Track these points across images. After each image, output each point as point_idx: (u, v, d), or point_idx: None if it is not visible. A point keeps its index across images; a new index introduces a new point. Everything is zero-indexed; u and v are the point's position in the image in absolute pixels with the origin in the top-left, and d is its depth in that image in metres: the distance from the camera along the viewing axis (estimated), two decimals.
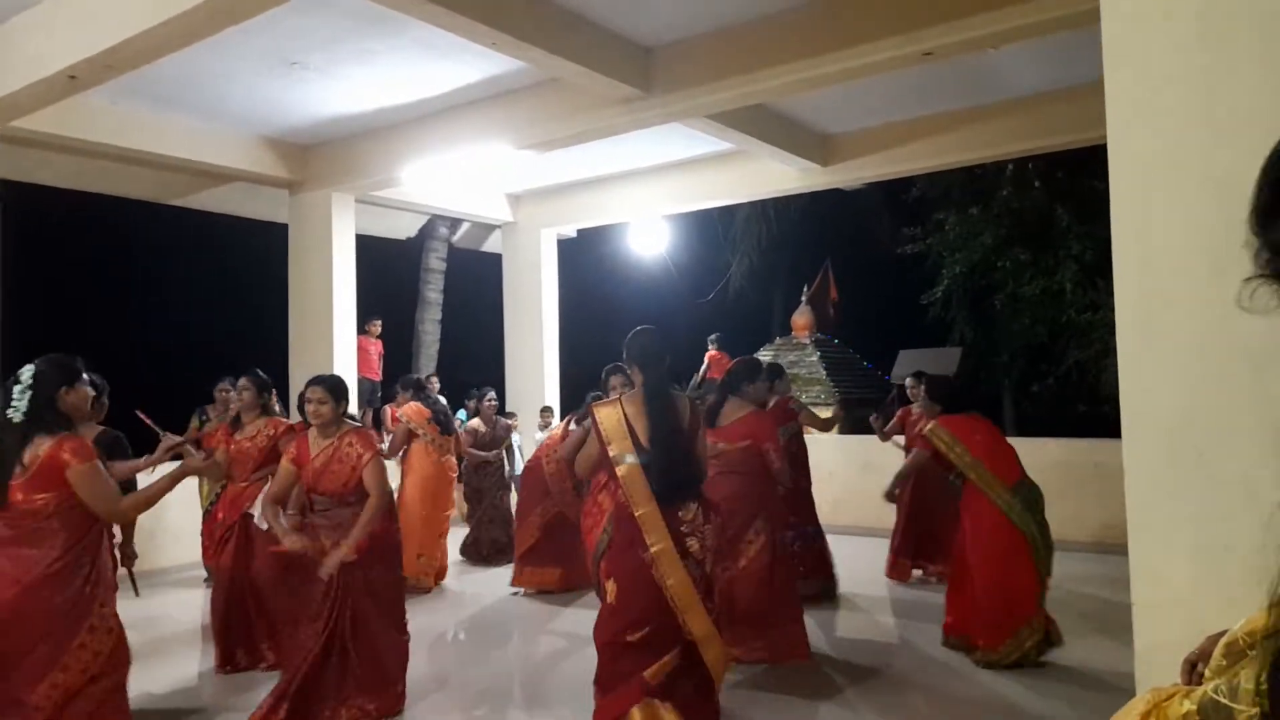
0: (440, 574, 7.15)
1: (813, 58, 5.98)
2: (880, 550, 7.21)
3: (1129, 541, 2.81)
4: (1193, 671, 1.85)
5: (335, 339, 9.05)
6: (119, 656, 3.42)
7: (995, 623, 4.80)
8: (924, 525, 6.84)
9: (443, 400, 7.84)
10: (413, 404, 7.32)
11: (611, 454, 3.51)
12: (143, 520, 4.66)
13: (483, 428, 8.29)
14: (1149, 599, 2.79)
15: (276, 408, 5.45)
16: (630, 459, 3.47)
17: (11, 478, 3.19)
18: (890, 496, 5.58)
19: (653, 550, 3.37)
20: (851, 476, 9.16)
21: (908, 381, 7.32)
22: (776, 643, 4.90)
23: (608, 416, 3.57)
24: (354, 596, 4.06)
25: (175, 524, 7.76)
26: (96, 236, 15.22)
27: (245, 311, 15.18)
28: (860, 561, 7.29)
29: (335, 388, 4.24)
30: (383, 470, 4.22)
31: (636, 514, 3.43)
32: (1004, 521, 4.82)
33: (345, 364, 9.07)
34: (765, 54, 6.16)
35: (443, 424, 7.32)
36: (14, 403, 3.23)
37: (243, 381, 5.25)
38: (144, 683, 4.65)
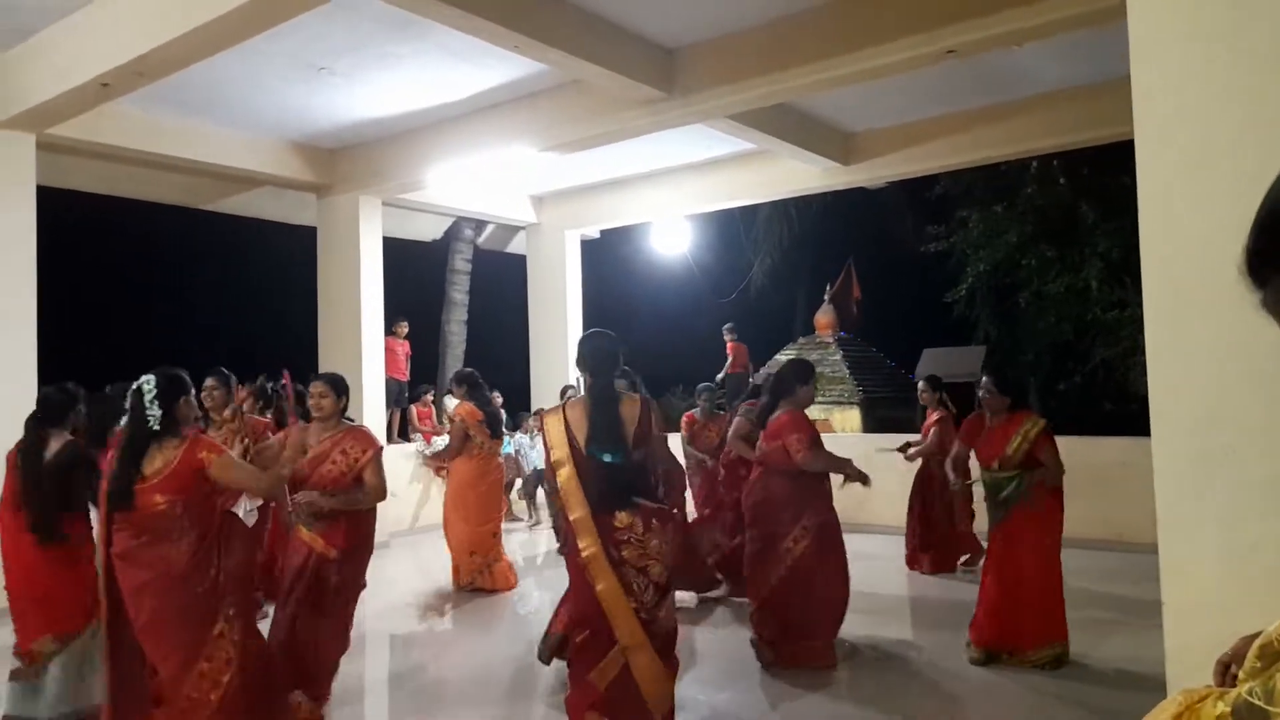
0: (505, 576, 7.03)
1: (835, 57, 5.97)
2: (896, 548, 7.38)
3: (1159, 541, 2.79)
4: (1226, 673, 1.83)
5: (363, 340, 9.14)
6: (258, 650, 3.61)
7: (1045, 626, 4.80)
8: (929, 521, 7.28)
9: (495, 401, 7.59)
10: (467, 404, 7.15)
11: (553, 459, 3.54)
12: None
13: None
14: (1179, 598, 2.78)
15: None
16: (568, 466, 3.50)
17: (135, 483, 3.40)
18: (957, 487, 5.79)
19: (584, 555, 3.42)
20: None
21: (920, 386, 7.35)
22: (811, 650, 4.93)
23: (552, 424, 3.58)
24: (317, 588, 4.12)
25: None
26: (128, 241, 15.44)
27: (274, 314, 15.35)
28: (877, 560, 7.34)
29: (337, 383, 4.38)
30: (382, 468, 4.31)
31: (570, 518, 3.47)
32: (1061, 528, 4.87)
33: (373, 365, 9.16)
34: (787, 54, 6.16)
35: (493, 427, 7.22)
36: (149, 413, 3.45)
37: (210, 381, 5.16)
38: None
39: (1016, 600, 4.81)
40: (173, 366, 3.66)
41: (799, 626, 4.92)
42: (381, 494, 4.28)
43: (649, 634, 3.43)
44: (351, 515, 4.20)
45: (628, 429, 3.50)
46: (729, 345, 13.05)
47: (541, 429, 3.68)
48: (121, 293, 16.75)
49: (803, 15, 6.04)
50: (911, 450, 7.29)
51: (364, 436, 4.34)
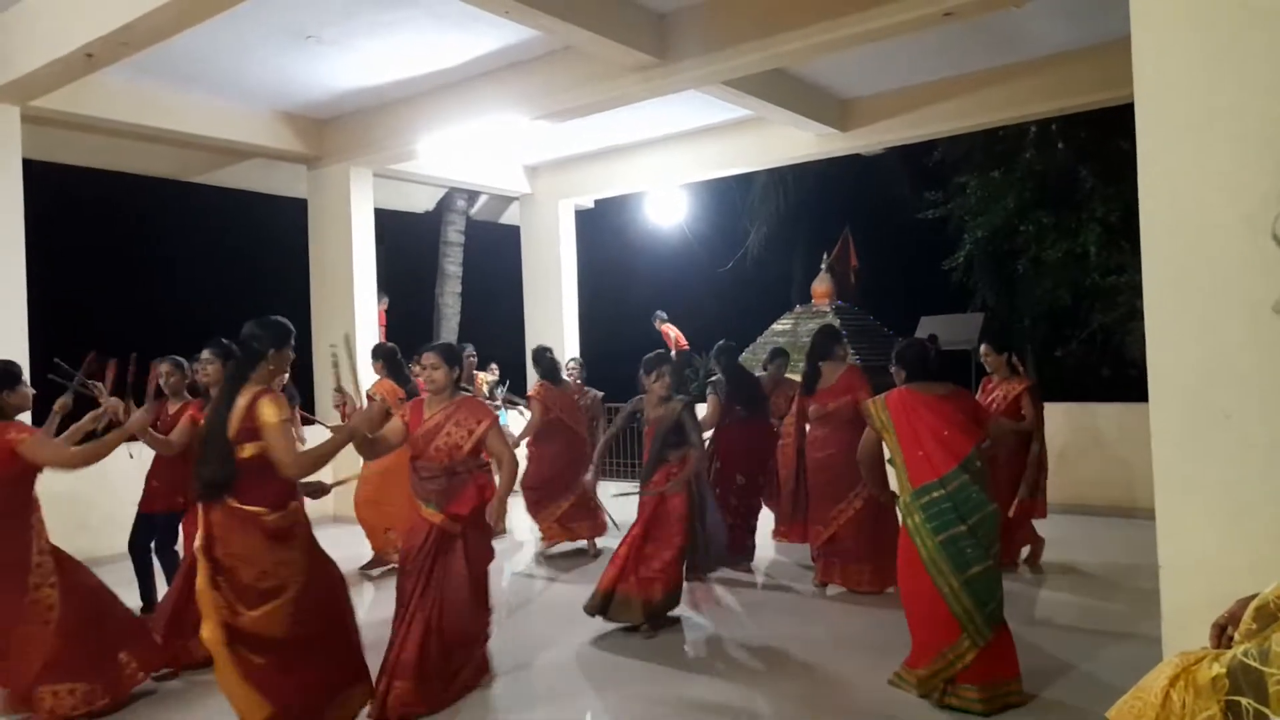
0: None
1: (831, 20, 5.88)
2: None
3: (1156, 503, 2.79)
4: (1222, 635, 1.83)
5: (356, 312, 9.10)
6: (74, 606, 3.85)
7: (916, 640, 4.02)
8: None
9: (415, 380, 7.46)
10: (386, 381, 6.74)
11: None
12: None
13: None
14: (1176, 561, 2.77)
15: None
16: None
17: None
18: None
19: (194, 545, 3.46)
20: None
21: (982, 349, 6.34)
22: (882, 571, 5.39)
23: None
24: (452, 565, 4.06)
25: None
26: (117, 215, 15.30)
27: (267, 287, 15.24)
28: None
29: (449, 354, 4.19)
30: (504, 436, 4.21)
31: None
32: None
33: (367, 337, 9.13)
34: (782, 17, 6.06)
35: None
36: None
37: (205, 354, 5.22)
38: None
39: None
40: (10, 361, 3.90)
41: (854, 559, 5.60)
42: (515, 459, 4.18)
43: (237, 639, 3.35)
44: (474, 485, 4.09)
45: (233, 424, 3.41)
46: (669, 330, 13.09)
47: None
48: (111, 266, 16.59)
49: None
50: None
51: (478, 405, 4.21)
